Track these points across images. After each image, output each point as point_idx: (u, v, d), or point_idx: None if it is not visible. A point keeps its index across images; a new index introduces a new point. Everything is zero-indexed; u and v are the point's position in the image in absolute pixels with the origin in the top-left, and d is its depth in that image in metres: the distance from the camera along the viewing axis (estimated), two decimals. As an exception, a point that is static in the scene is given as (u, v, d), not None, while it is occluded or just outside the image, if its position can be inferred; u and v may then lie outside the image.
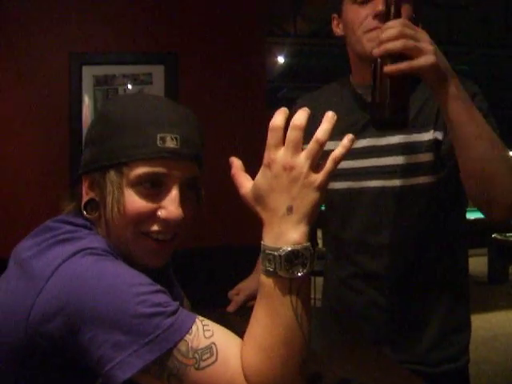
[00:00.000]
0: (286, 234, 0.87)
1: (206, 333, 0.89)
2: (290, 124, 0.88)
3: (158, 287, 0.93)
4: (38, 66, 3.05)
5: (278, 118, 0.89)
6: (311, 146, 0.87)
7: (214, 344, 0.88)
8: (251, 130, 3.11)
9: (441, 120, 1.45)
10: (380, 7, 1.38)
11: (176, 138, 1.02)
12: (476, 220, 5.69)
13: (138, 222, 1.02)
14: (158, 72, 3.11)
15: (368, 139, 1.58)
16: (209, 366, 0.87)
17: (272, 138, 0.88)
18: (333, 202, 1.70)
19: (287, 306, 0.88)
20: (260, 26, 3.30)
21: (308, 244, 0.88)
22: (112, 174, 1.02)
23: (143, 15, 3.14)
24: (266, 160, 0.88)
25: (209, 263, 3.05)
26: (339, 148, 0.89)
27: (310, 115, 0.89)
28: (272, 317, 0.88)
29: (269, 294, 0.89)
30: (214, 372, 0.87)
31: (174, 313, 0.89)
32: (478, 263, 8.51)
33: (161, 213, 1.02)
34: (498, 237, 7.50)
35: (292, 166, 0.86)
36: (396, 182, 1.54)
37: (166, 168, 1.02)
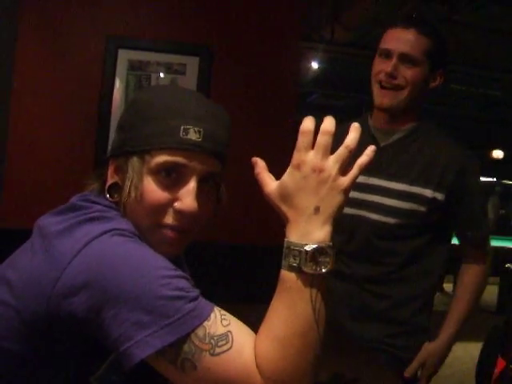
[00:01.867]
0: (312, 233, 0.92)
1: (223, 321, 0.92)
2: (320, 130, 0.94)
3: (181, 273, 0.96)
4: (75, 45, 3.08)
5: (308, 122, 0.94)
6: (341, 151, 0.95)
7: (230, 332, 0.91)
8: (279, 132, 3.12)
9: (443, 183, 1.82)
10: (390, 69, 1.80)
11: (199, 132, 1.04)
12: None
13: (154, 212, 1.05)
14: (192, 63, 3.12)
15: (377, 179, 1.89)
16: (223, 352, 0.89)
17: (302, 140, 0.93)
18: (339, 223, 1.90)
19: (307, 300, 0.92)
20: (297, 29, 3.31)
21: (331, 243, 0.93)
22: (134, 161, 1.05)
23: (183, 5, 3.15)
24: (295, 161, 0.93)
25: (224, 260, 3.06)
26: (364, 156, 0.98)
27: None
28: (290, 309, 0.92)
29: (290, 288, 0.92)
30: (228, 359, 0.89)
31: (195, 299, 0.92)
32: (488, 292, 8.41)
33: (176, 204, 1.05)
34: (511, 267, 7.40)
35: (321, 169, 0.92)
36: (390, 220, 1.86)
37: (187, 159, 1.04)
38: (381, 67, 1.85)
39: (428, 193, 1.83)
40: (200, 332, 0.89)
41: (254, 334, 0.94)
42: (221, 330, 0.91)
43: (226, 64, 3.17)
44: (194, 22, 3.16)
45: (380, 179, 1.89)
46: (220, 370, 0.89)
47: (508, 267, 7.41)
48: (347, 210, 1.80)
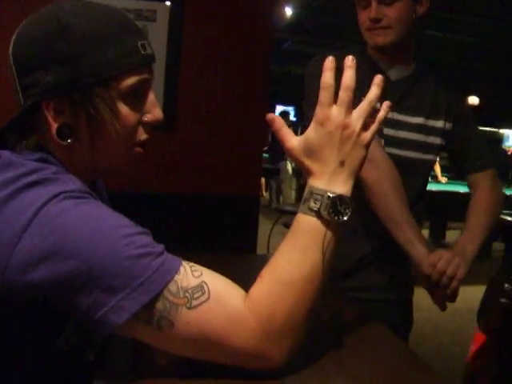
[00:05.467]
0: (336, 184, 0.96)
1: (194, 273, 0.89)
2: (342, 85, 0.97)
3: (142, 229, 0.91)
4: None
5: (328, 75, 0.97)
6: (364, 106, 0.99)
7: (205, 283, 0.88)
8: (254, 79, 3.07)
9: (449, 113, 1.94)
10: (372, 15, 1.78)
11: (149, 44, 1.02)
12: (463, 193, 5.70)
13: (128, 136, 1.01)
14: (162, 9, 3.00)
15: (391, 112, 1.80)
16: (201, 304, 0.87)
17: (325, 96, 0.96)
18: None
19: (319, 246, 0.93)
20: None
21: (350, 197, 0.97)
22: (100, 91, 0.95)
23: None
24: (319, 117, 0.96)
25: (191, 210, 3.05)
26: (382, 112, 1.03)
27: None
28: (302, 252, 0.93)
29: (305, 231, 0.94)
30: (207, 310, 0.87)
31: (161, 254, 0.88)
32: (461, 237, 8.57)
33: (147, 118, 1.03)
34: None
35: (346, 125, 0.96)
36: (408, 154, 1.90)
37: (150, 74, 1.03)
38: (364, 17, 1.84)
39: (439, 124, 1.93)
40: (172, 287, 0.86)
41: (229, 281, 0.93)
42: (194, 282, 0.88)
43: (198, 10, 3.07)
44: (164, -35, 3.05)
45: (395, 112, 1.89)
46: (200, 323, 0.87)
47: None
48: None
